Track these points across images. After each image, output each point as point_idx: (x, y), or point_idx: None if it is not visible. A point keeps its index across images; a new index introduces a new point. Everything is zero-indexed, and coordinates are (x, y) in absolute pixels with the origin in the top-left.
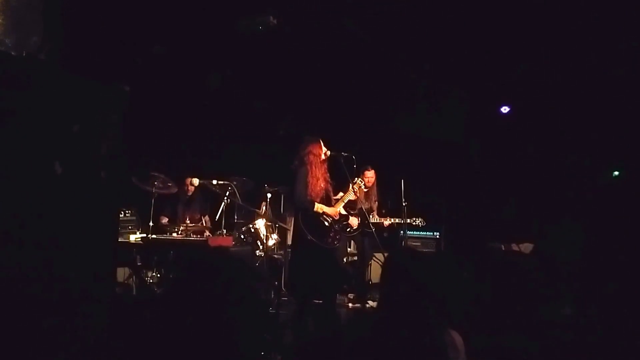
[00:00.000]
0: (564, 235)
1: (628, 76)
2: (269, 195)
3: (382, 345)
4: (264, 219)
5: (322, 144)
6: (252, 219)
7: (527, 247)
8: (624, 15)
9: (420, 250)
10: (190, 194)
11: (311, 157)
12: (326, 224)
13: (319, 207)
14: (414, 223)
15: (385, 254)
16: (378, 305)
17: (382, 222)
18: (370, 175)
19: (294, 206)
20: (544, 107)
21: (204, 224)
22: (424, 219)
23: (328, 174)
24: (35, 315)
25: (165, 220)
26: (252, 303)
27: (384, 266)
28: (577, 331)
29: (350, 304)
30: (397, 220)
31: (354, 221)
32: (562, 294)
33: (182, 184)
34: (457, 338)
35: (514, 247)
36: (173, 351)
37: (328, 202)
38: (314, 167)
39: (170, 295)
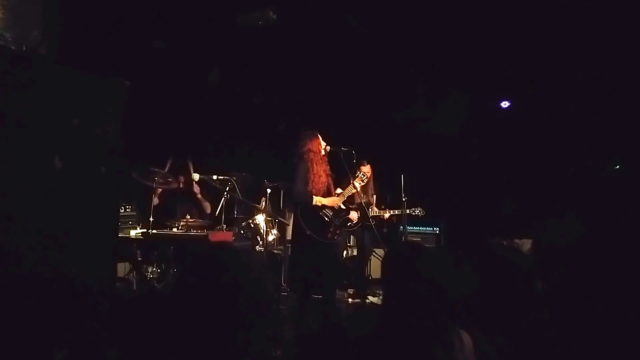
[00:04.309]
0: (564, 230)
1: (629, 70)
2: (268, 190)
3: (386, 342)
4: (264, 214)
5: (320, 138)
6: (252, 214)
7: (526, 244)
8: (625, 9)
9: (421, 244)
10: (192, 189)
11: (311, 154)
12: (326, 219)
13: (317, 200)
14: (413, 213)
15: (386, 250)
16: (382, 301)
17: (382, 215)
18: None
19: (293, 202)
20: (544, 101)
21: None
22: (423, 210)
23: (329, 167)
24: (35, 311)
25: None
26: (261, 297)
27: (385, 260)
28: (570, 330)
29: (350, 299)
30: (396, 212)
31: (354, 215)
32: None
33: (184, 181)
34: (466, 338)
35: (514, 243)
36: (177, 346)
37: (329, 196)
38: (314, 164)
39: (178, 290)
